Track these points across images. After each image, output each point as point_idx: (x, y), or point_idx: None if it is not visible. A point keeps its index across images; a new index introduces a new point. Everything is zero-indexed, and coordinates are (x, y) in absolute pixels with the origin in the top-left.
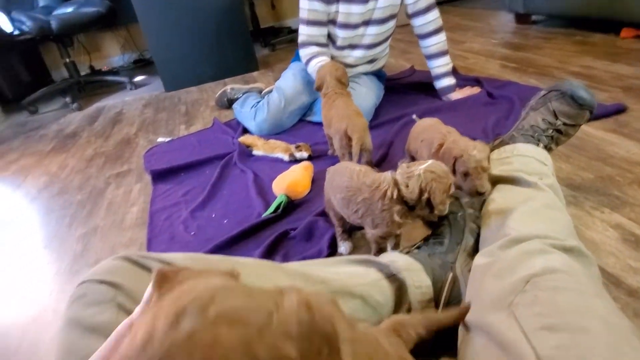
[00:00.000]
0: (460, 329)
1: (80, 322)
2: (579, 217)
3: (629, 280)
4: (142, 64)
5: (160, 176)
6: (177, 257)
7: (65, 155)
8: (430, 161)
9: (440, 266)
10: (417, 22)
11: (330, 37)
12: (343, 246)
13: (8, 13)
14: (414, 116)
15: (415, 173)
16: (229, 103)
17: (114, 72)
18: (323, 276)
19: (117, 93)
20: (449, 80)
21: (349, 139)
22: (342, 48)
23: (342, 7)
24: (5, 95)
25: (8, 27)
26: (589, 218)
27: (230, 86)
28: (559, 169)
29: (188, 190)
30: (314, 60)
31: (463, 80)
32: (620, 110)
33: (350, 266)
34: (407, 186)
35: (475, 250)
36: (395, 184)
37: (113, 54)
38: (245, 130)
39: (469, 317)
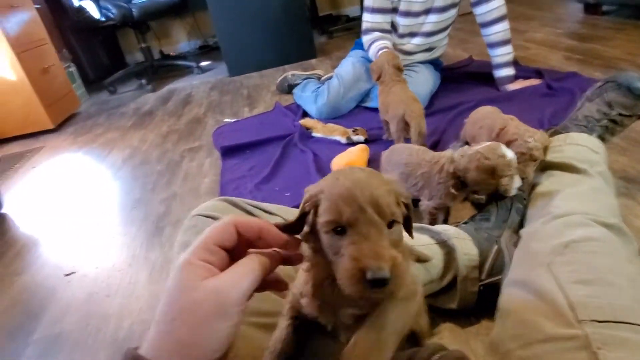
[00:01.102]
0: (502, 289)
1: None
2: (630, 207)
3: None
4: (207, 50)
5: (228, 152)
6: (269, 207)
7: (144, 131)
8: (489, 142)
9: (486, 239)
10: (480, 10)
11: (393, 25)
12: None
13: (96, 1)
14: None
15: (469, 152)
16: (290, 88)
17: (182, 57)
18: None
19: (185, 77)
20: (509, 71)
21: (406, 124)
22: (402, 36)
23: None
24: (89, 77)
25: (96, 14)
26: (639, 208)
27: (292, 72)
28: (614, 161)
29: (253, 166)
30: (375, 44)
31: (523, 71)
32: None
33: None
34: (461, 157)
35: (520, 227)
36: (452, 160)
37: (181, 40)
38: (305, 114)
39: (510, 277)
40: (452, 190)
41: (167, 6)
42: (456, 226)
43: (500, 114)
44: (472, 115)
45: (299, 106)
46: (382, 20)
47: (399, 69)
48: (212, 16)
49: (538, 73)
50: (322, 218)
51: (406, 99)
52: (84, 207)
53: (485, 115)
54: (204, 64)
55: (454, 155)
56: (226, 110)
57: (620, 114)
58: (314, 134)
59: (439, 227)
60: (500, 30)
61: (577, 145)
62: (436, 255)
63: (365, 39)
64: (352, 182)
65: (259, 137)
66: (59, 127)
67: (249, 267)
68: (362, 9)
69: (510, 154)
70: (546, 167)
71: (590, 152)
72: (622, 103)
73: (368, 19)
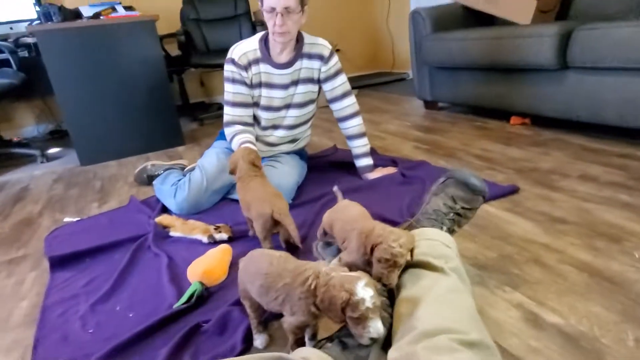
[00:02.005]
0: None
1: None
2: (485, 297)
3: None
4: (59, 136)
5: (61, 262)
6: None
7: None
8: (353, 274)
9: None
10: (336, 106)
11: (255, 118)
12: (259, 339)
13: None
14: (335, 188)
15: (335, 274)
16: (150, 179)
17: (22, 144)
18: None
19: (25, 166)
20: (368, 160)
21: (275, 223)
22: (265, 128)
23: (265, 92)
24: None
25: None
26: (492, 297)
27: (152, 162)
28: (465, 248)
29: (92, 279)
30: (237, 137)
31: (380, 160)
32: (514, 190)
33: None
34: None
35: (388, 342)
36: (317, 276)
37: (26, 124)
38: (165, 209)
39: None
40: (314, 310)
41: (3, 90)
42: (321, 346)
43: (369, 219)
44: (339, 212)
45: (158, 200)
46: (244, 113)
47: (255, 165)
48: (57, 99)
49: (393, 162)
50: None
51: (268, 196)
52: None
53: (355, 218)
54: (52, 151)
55: (322, 270)
56: (69, 207)
57: (463, 207)
58: (172, 233)
59: (300, 355)
60: (355, 124)
61: (431, 240)
62: None
63: (228, 131)
64: None
65: (104, 240)
66: None
67: None
68: None
69: (362, 294)
70: (406, 265)
71: (443, 246)
72: (462, 197)
73: (229, 112)
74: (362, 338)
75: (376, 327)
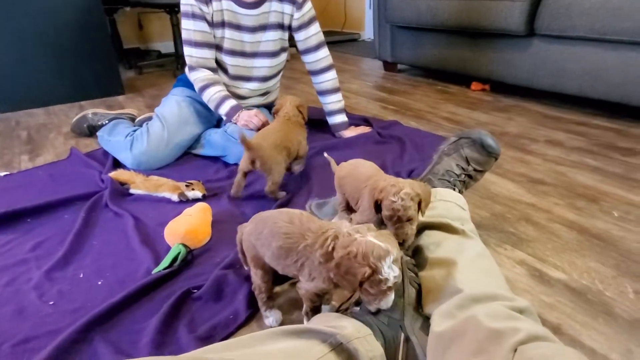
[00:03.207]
0: None
1: None
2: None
3: (548, 316)
4: None
5: None
6: None
7: None
8: (383, 243)
9: (388, 325)
10: (309, 58)
11: (219, 65)
12: (271, 317)
13: None
14: (325, 154)
15: (356, 236)
16: (91, 130)
17: None
18: None
19: None
20: (342, 117)
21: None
22: (234, 78)
23: (228, 33)
24: None
25: None
26: (497, 255)
27: (93, 110)
28: None
29: (40, 242)
30: (211, 89)
31: (352, 119)
32: None
33: (287, 340)
34: (348, 235)
35: (418, 302)
36: (336, 237)
37: None
38: (117, 164)
39: None
40: (332, 275)
41: None
42: (346, 312)
43: (379, 171)
44: (348, 173)
45: (106, 154)
46: (209, 55)
47: (300, 111)
48: None
49: (366, 121)
50: None
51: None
52: None
53: (367, 175)
54: None
55: (343, 230)
56: None
57: (475, 169)
58: (133, 191)
59: (331, 323)
60: (330, 78)
61: (447, 202)
62: None
63: (194, 77)
64: None
65: (48, 197)
66: None
67: None
68: (175, 45)
69: (387, 273)
70: (424, 227)
71: (458, 208)
72: (476, 159)
73: (192, 54)
74: (370, 306)
75: (387, 302)
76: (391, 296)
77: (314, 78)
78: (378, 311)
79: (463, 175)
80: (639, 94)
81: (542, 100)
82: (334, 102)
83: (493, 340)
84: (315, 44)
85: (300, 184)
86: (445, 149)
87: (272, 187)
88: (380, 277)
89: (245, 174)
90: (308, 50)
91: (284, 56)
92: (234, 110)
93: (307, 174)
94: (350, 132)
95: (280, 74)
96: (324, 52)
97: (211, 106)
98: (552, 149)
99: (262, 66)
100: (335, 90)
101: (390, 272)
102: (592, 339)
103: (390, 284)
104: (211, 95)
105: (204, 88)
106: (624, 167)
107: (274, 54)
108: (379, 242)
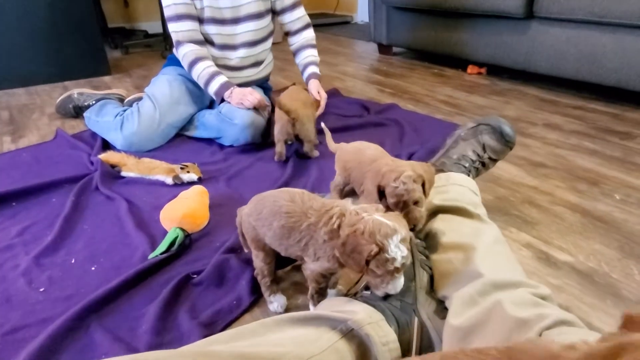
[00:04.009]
0: None
1: None
2: None
3: (557, 298)
4: None
5: None
6: None
7: None
8: (390, 222)
9: (401, 309)
10: (286, 18)
11: (207, 39)
12: (276, 302)
13: None
14: (323, 124)
15: (363, 215)
16: (76, 111)
17: None
18: (265, 354)
19: None
20: (316, 69)
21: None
22: (221, 47)
23: (207, 1)
24: None
25: None
26: (506, 233)
27: (79, 90)
28: None
29: (27, 227)
30: (200, 65)
31: (349, 103)
32: None
33: (296, 328)
34: (356, 214)
35: (431, 285)
36: (342, 215)
37: None
38: (106, 145)
39: None
40: (337, 254)
41: None
42: (355, 297)
43: (384, 153)
44: (352, 157)
45: (94, 135)
46: (194, 27)
47: None
48: None
49: (364, 107)
50: None
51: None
52: None
53: (372, 158)
54: None
55: (349, 209)
56: None
57: (490, 158)
58: (125, 174)
59: (341, 308)
60: (308, 36)
61: (460, 186)
62: (344, 353)
63: (182, 52)
64: None
65: (33, 180)
66: None
67: None
68: (163, 24)
69: (395, 253)
70: (437, 210)
71: (472, 193)
72: (493, 147)
73: (177, 28)
74: (377, 290)
75: (396, 286)
76: (400, 280)
77: (291, 38)
78: (388, 296)
79: (477, 162)
80: (635, 78)
81: (538, 84)
82: (310, 55)
83: (519, 330)
84: (291, 3)
85: (297, 176)
86: (462, 134)
87: (310, 145)
88: (387, 256)
89: (286, 142)
90: (284, 10)
91: (268, 18)
92: (224, 87)
93: (306, 166)
94: (316, 84)
95: (270, 41)
96: (301, 11)
97: (201, 83)
98: (551, 132)
99: (247, 30)
100: (312, 46)
101: (398, 251)
102: (602, 320)
103: (397, 264)
104: (200, 72)
105: (192, 64)
106: (622, 151)
107: (258, 15)
108: (386, 220)
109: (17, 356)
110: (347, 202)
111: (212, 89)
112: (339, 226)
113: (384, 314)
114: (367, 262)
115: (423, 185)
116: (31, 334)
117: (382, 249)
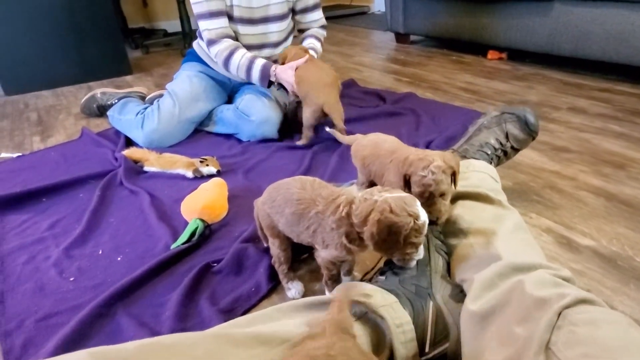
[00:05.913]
0: None
1: None
2: None
3: (577, 282)
4: None
5: (10, 204)
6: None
7: None
8: (404, 194)
9: (416, 294)
10: (306, 18)
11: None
12: (293, 288)
13: None
14: (327, 129)
15: (374, 197)
16: (100, 110)
17: None
18: (282, 334)
19: None
20: (315, 48)
21: (324, 114)
22: (249, 48)
23: (237, 0)
24: None
25: None
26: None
27: (102, 90)
28: None
29: (56, 221)
30: (236, 55)
31: (365, 93)
32: None
33: (311, 312)
34: (364, 200)
35: (447, 271)
36: (350, 202)
37: None
38: (129, 142)
39: None
40: (345, 242)
41: None
42: (371, 280)
43: (402, 144)
44: (371, 150)
45: (118, 132)
46: (226, 24)
47: (305, 50)
48: None
49: (379, 96)
50: None
51: (322, 86)
52: None
53: (392, 149)
54: None
55: (357, 196)
56: (3, 141)
57: (512, 147)
58: (147, 168)
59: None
60: (320, 32)
61: (481, 173)
62: (360, 339)
63: (216, 49)
64: None
65: (61, 177)
66: None
67: None
68: (182, 23)
69: (424, 216)
70: (458, 196)
71: (492, 180)
72: (516, 136)
73: (209, 26)
74: (410, 262)
75: (421, 250)
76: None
77: (303, 34)
78: (402, 270)
79: (500, 151)
80: None
81: (561, 67)
82: (314, 43)
83: (538, 307)
84: (313, 3)
85: (315, 169)
86: (485, 122)
87: (342, 123)
88: (421, 221)
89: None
90: (305, 10)
91: (289, 18)
92: (266, 69)
93: (323, 160)
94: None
95: (290, 40)
96: (320, 13)
97: (242, 74)
98: (575, 116)
99: (273, 31)
100: (319, 40)
101: (424, 214)
102: (624, 304)
103: (425, 229)
104: (239, 62)
105: (228, 57)
106: None
107: (282, 17)
108: (397, 194)
109: (51, 340)
110: (353, 189)
111: (254, 77)
112: (348, 214)
113: (398, 298)
114: (405, 239)
115: (452, 177)
116: (62, 320)
117: (416, 219)
